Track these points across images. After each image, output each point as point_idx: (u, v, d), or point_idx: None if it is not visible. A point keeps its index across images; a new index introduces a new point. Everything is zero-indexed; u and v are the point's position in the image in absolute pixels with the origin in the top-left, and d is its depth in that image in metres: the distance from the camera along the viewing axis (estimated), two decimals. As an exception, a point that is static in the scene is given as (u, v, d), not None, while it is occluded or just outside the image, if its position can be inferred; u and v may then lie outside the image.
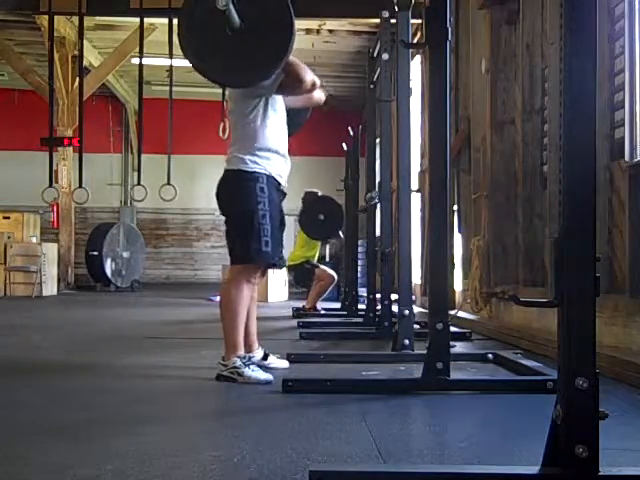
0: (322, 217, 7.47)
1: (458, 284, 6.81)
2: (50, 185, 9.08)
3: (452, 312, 4.87)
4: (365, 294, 6.60)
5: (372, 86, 6.31)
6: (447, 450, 2.18)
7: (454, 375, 2.95)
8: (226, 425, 2.50)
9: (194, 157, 14.62)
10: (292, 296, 9.99)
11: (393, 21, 4.70)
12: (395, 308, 4.39)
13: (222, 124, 8.54)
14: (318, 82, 3.44)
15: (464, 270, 6.58)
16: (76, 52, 10.02)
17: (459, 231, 6.92)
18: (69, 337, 5.25)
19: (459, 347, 4.40)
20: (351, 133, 7.65)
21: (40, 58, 11.75)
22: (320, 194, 7.82)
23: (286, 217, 3.50)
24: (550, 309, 1.72)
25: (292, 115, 3.58)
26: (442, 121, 3.01)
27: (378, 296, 5.49)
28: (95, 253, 11.74)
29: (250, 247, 3.23)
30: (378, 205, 5.26)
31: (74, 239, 11.71)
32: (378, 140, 5.78)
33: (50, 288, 10.56)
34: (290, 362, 3.66)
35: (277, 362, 3.59)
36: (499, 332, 4.99)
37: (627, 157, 3.82)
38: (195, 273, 15.95)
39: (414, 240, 4.68)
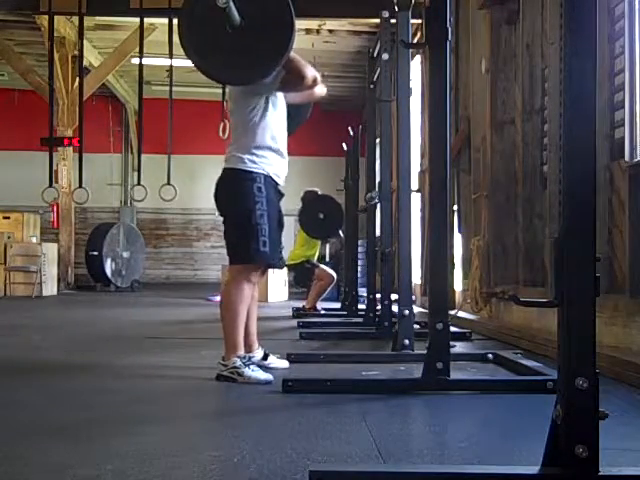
0: (322, 216, 7.47)
1: (458, 284, 6.81)
2: (50, 185, 9.09)
3: (452, 312, 4.88)
4: (365, 294, 6.60)
5: (372, 86, 6.31)
6: (447, 450, 2.18)
7: (454, 375, 2.95)
8: (226, 425, 2.50)
9: (194, 157, 14.63)
10: (292, 296, 9.99)
11: (393, 21, 4.70)
12: (395, 308, 4.39)
13: (222, 124, 8.54)
14: (319, 77, 3.43)
15: (464, 270, 6.58)
16: (76, 52, 10.02)
17: (459, 231, 6.92)
18: (69, 337, 5.25)
19: (459, 347, 4.40)
20: (351, 133, 7.65)
21: (40, 58, 11.75)
22: (320, 193, 7.82)
23: (286, 217, 3.50)
24: (550, 309, 1.72)
25: (293, 114, 3.58)
26: (442, 121, 3.01)
27: (378, 296, 5.49)
28: (95, 253, 11.74)
29: (248, 247, 3.22)
30: (378, 205, 5.26)
31: (74, 239, 11.71)
32: (378, 140, 5.78)
33: (50, 288, 10.56)
34: (290, 362, 3.66)
35: (277, 362, 3.59)
36: (499, 332, 4.99)
37: (627, 157, 3.82)
38: (195, 273, 15.95)
39: (414, 240, 4.67)
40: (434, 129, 3.09)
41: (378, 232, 5.57)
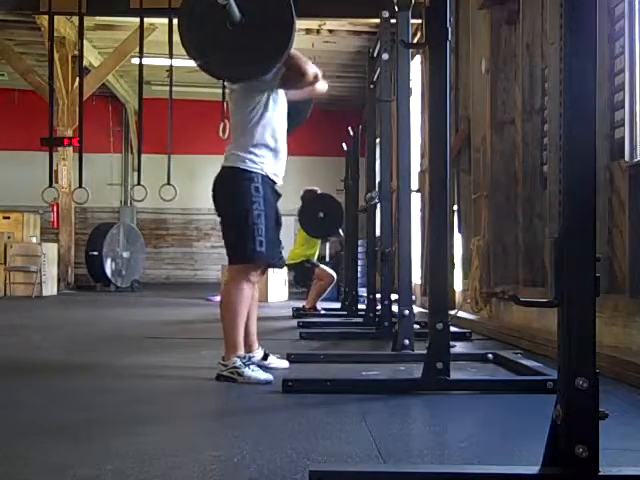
0: (322, 215, 7.47)
1: (458, 284, 6.81)
2: (50, 185, 9.10)
3: (452, 312, 4.87)
4: (365, 294, 6.60)
5: (372, 86, 6.31)
6: (447, 450, 2.18)
7: (454, 375, 2.95)
8: (226, 425, 2.50)
9: (194, 157, 14.63)
10: (292, 296, 9.99)
11: (393, 21, 4.70)
12: (395, 308, 4.39)
13: (222, 124, 8.55)
14: (320, 74, 3.43)
15: (464, 270, 6.58)
16: (76, 52, 10.03)
17: (459, 231, 6.92)
18: (69, 337, 5.25)
19: (459, 347, 4.40)
20: (351, 133, 7.65)
21: (40, 58, 11.75)
22: (319, 192, 7.82)
23: (286, 217, 3.50)
24: (550, 309, 1.72)
25: (293, 114, 3.58)
26: (442, 121, 3.01)
27: (378, 296, 5.49)
28: (95, 253, 11.74)
29: (245, 247, 3.23)
30: (378, 205, 5.26)
31: (74, 239, 11.72)
32: (378, 140, 5.78)
33: (50, 288, 10.56)
34: (290, 362, 3.66)
35: (277, 362, 3.59)
36: (499, 332, 4.99)
37: (627, 157, 3.82)
38: (195, 273, 15.95)
39: (414, 240, 4.67)
40: (434, 129, 3.09)
41: (378, 232, 5.57)
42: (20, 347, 4.65)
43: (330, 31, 10.77)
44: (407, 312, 4.03)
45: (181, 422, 2.54)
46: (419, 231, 7.99)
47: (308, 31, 10.51)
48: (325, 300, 7.86)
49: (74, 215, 11.79)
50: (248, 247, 3.21)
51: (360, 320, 6.19)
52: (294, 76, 3.30)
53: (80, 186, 9.04)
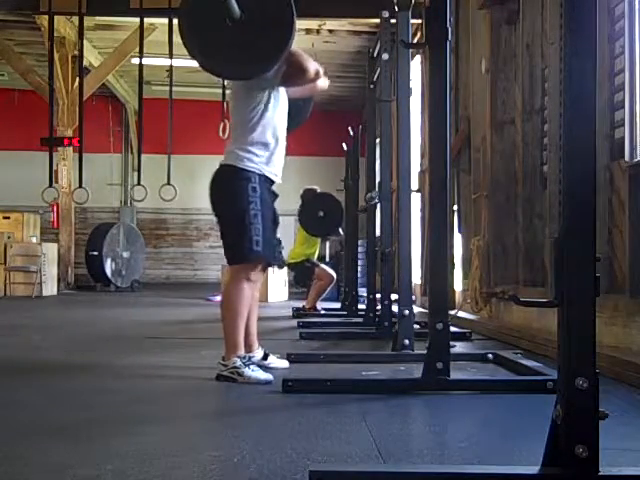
0: (321, 214, 7.47)
1: (458, 284, 6.81)
2: (50, 185, 9.10)
3: (452, 312, 4.87)
4: (365, 294, 6.60)
5: (372, 86, 6.31)
6: (447, 450, 2.18)
7: (454, 375, 2.95)
8: (226, 425, 2.50)
9: (194, 157, 14.62)
10: (292, 296, 9.99)
11: (393, 21, 4.70)
12: (395, 308, 4.39)
13: (222, 124, 8.55)
14: (321, 70, 3.43)
15: (464, 270, 6.58)
16: (76, 52, 10.03)
17: (459, 231, 6.92)
18: (69, 337, 5.25)
19: (459, 347, 4.40)
20: (351, 133, 7.65)
21: (40, 58, 11.75)
22: (319, 191, 7.82)
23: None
24: (550, 309, 1.72)
25: (293, 114, 3.57)
26: (442, 121, 3.01)
27: (378, 296, 5.49)
28: (95, 253, 11.74)
29: (241, 246, 3.23)
30: (378, 205, 5.26)
31: (74, 239, 11.72)
32: (378, 140, 5.78)
33: (50, 288, 10.56)
34: (290, 362, 3.66)
35: (277, 362, 3.59)
36: (499, 332, 4.99)
37: (627, 157, 3.82)
38: (195, 273, 15.95)
39: (414, 240, 4.67)
40: (434, 129, 3.09)
41: (378, 232, 5.57)
42: (20, 347, 4.65)
43: (330, 31, 10.77)
44: (407, 312, 4.03)
45: (181, 422, 2.54)
46: (419, 231, 7.99)
47: (308, 31, 10.51)
48: (325, 300, 7.86)
49: (74, 215, 11.79)
50: (245, 246, 3.21)
51: (360, 320, 6.19)
52: (295, 73, 3.30)
53: (80, 186, 9.04)
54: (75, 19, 9.50)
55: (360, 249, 7.88)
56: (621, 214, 3.84)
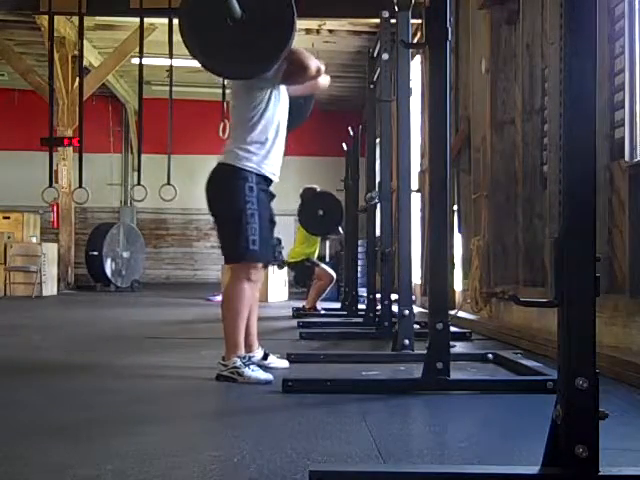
0: (321, 212, 7.46)
1: (458, 284, 6.81)
2: (50, 185, 9.10)
3: (452, 312, 4.87)
4: (365, 294, 6.60)
5: (372, 86, 6.31)
6: (447, 450, 2.18)
7: (454, 375, 2.95)
8: (226, 425, 2.50)
9: (194, 157, 14.61)
10: (292, 296, 9.99)
11: (393, 21, 4.70)
12: (395, 308, 4.39)
13: (222, 124, 8.55)
14: (323, 67, 3.42)
15: (464, 270, 6.58)
16: (76, 52, 10.03)
17: (459, 231, 6.92)
18: (69, 337, 5.25)
19: (459, 347, 4.40)
20: (351, 133, 7.65)
21: (40, 58, 11.75)
22: (319, 190, 7.82)
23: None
24: (550, 309, 1.72)
25: (294, 114, 3.57)
26: (442, 121, 3.01)
27: (378, 296, 5.49)
28: (95, 253, 11.74)
29: (238, 246, 3.23)
30: (378, 205, 5.26)
31: (74, 239, 11.72)
32: (378, 140, 5.78)
33: (50, 288, 10.56)
34: (290, 362, 3.66)
35: (277, 362, 3.59)
36: (499, 332, 4.99)
37: (627, 157, 3.82)
38: (195, 273, 15.95)
39: (414, 240, 4.67)
40: (434, 129, 3.09)
41: (378, 232, 5.57)
42: (20, 347, 4.65)
43: (330, 31, 10.77)
44: (407, 312, 4.03)
45: (181, 422, 2.54)
46: (419, 231, 7.99)
47: (308, 31, 10.51)
48: (325, 300, 7.86)
49: (74, 215, 11.79)
50: (241, 246, 3.21)
51: (360, 320, 6.19)
52: (297, 70, 3.30)
53: (80, 186, 9.04)
54: (75, 19, 9.50)
55: (360, 249, 7.88)
56: (621, 214, 3.84)
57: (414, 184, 6.79)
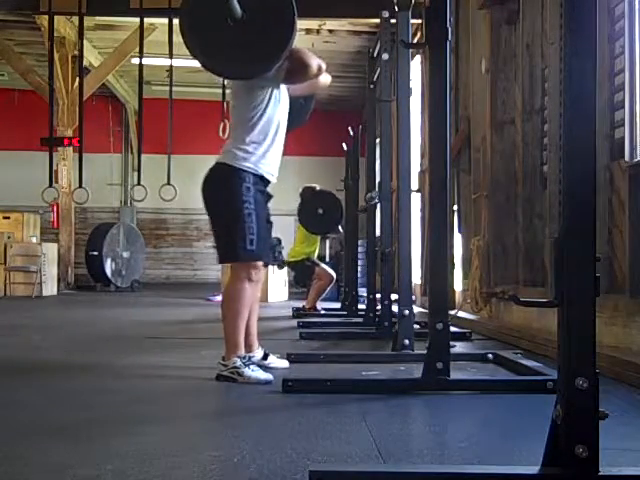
0: (321, 211, 7.46)
1: (458, 284, 6.81)
2: (50, 185, 9.10)
3: (452, 312, 4.87)
4: (365, 294, 6.60)
5: (372, 86, 6.31)
6: (447, 450, 2.18)
7: (454, 375, 2.95)
8: (226, 425, 2.50)
9: (194, 157, 14.58)
10: (292, 296, 9.99)
11: (393, 21, 4.70)
12: (395, 308, 4.39)
13: (222, 124, 8.55)
14: (324, 66, 3.42)
15: (464, 270, 6.58)
16: (76, 52, 10.03)
17: (459, 231, 6.92)
18: (69, 337, 5.25)
19: (459, 347, 4.40)
20: (351, 133, 7.65)
21: (40, 58, 11.75)
22: (318, 188, 7.82)
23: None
24: (550, 309, 1.72)
25: (294, 115, 3.57)
26: (442, 121, 3.01)
27: (378, 296, 5.49)
28: (95, 253, 11.74)
29: (236, 245, 3.22)
30: (378, 205, 5.26)
31: (74, 239, 11.72)
32: (378, 140, 5.78)
33: (50, 288, 10.56)
34: (290, 362, 3.66)
35: (277, 362, 3.59)
36: (499, 332, 4.99)
37: (627, 157, 3.82)
38: (195, 273, 15.95)
39: (414, 240, 4.67)
40: (434, 129, 3.09)
41: (378, 232, 5.57)
42: (20, 347, 4.65)
43: (330, 31, 10.77)
44: (407, 312, 4.03)
45: (181, 422, 2.54)
46: (419, 231, 7.99)
47: (308, 31, 10.51)
48: (325, 300, 7.86)
49: (74, 215, 11.80)
50: (239, 245, 3.21)
51: (360, 320, 6.19)
52: (298, 69, 3.30)
53: (80, 186, 9.04)
54: (75, 19, 9.51)
55: (360, 249, 7.88)
56: (621, 214, 3.84)
57: (414, 184, 6.79)
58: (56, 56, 10.05)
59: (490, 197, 5.69)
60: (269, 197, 3.44)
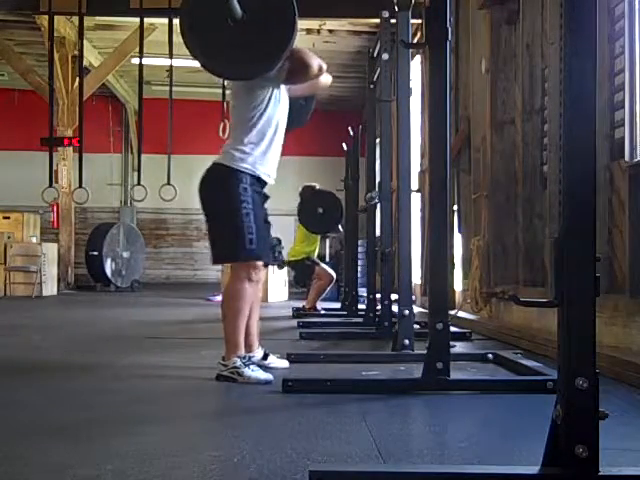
0: (321, 210, 7.46)
1: (458, 284, 6.81)
2: (50, 185, 9.10)
3: (452, 312, 4.87)
4: (365, 294, 6.60)
5: (372, 86, 6.31)
6: (447, 450, 2.18)
7: (454, 375, 2.95)
8: (226, 425, 2.50)
9: (194, 157, 14.54)
10: (292, 296, 9.99)
11: (393, 21, 4.70)
12: (395, 308, 4.39)
13: (222, 124, 8.55)
14: (324, 66, 3.41)
15: (464, 270, 6.58)
16: (76, 52, 10.03)
17: (459, 231, 6.92)
18: (69, 337, 5.25)
19: (459, 347, 4.40)
20: (351, 133, 7.65)
21: (40, 58, 11.75)
22: (318, 187, 7.82)
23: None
24: (550, 309, 1.72)
25: (295, 115, 3.56)
26: (442, 121, 3.01)
27: (378, 296, 5.49)
28: (95, 253, 11.74)
29: (235, 245, 3.22)
30: (378, 205, 5.26)
31: (74, 239, 11.72)
32: (378, 140, 5.78)
33: (50, 288, 10.56)
34: (290, 362, 3.66)
35: (277, 362, 3.59)
36: (499, 332, 4.99)
37: (627, 157, 3.82)
38: (195, 273, 15.95)
39: (414, 240, 4.67)
40: (434, 129, 3.09)
41: (378, 232, 5.57)
42: (20, 347, 4.65)
43: (330, 31, 10.77)
44: (407, 312, 4.03)
45: (181, 422, 2.54)
46: (419, 231, 7.99)
47: (308, 31, 10.52)
48: (325, 300, 7.86)
49: (74, 215, 11.79)
50: (238, 245, 3.20)
51: (360, 320, 6.19)
52: (299, 69, 3.29)
53: (80, 186, 9.04)
54: (75, 19, 9.51)
55: (360, 249, 7.87)
56: (621, 214, 3.84)
57: (414, 184, 6.78)
58: (56, 56, 10.05)
59: (490, 197, 5.69)
60: (266, 198, 3.43)
